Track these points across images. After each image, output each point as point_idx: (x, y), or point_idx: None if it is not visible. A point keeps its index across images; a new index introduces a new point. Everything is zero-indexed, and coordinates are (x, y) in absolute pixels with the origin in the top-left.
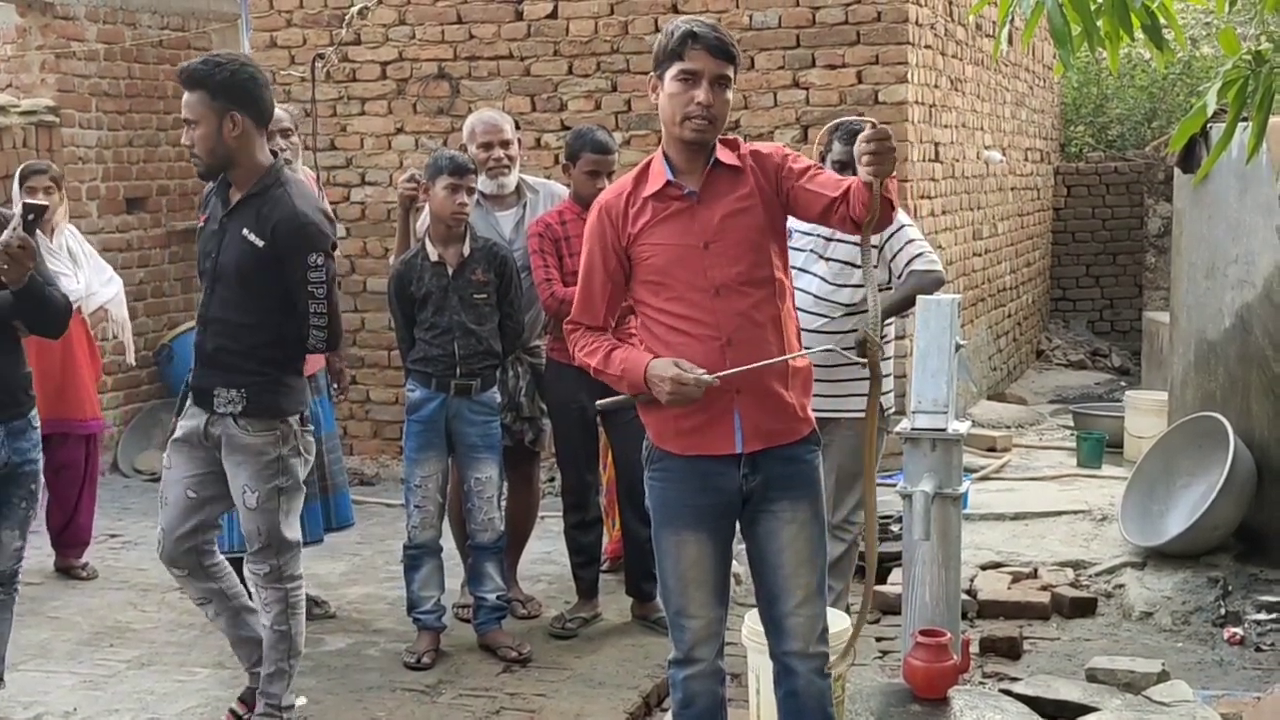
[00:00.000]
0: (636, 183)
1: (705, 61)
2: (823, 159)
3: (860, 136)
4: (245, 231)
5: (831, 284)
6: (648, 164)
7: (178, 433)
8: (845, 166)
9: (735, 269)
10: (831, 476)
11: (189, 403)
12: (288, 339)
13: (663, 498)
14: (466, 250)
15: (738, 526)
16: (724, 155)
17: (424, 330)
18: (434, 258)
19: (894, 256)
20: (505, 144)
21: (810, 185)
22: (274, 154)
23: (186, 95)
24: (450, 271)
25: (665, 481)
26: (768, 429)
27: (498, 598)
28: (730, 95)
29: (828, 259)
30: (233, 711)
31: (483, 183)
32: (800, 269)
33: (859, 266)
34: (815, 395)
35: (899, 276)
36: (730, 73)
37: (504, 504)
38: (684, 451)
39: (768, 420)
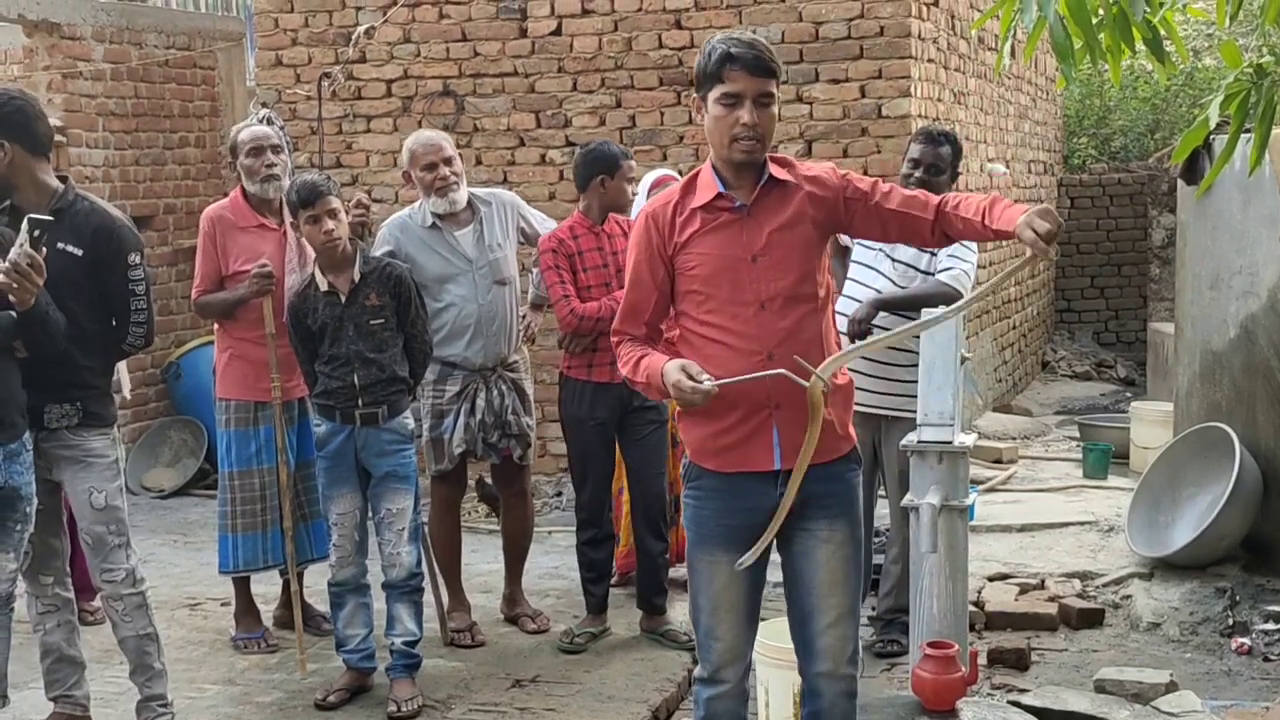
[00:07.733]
0: (684, 193)
1: (745, 82)
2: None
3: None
4: (61, 245)
5: (898, 285)
6: (695, 175)
7: None
8: (918, 164)
9: (782, 283)
10: (894, 467)
11: None
12: (108, 347)
13: (698, 516)
14: (357, 275)
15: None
16: (777, 171)
17: (323, 363)
18: (324, 287)
19: (940, 267)
20: (448, 161)
21: (895, 206)
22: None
23: None
24: (343, 299)
25: (700, 500)
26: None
27: (405, 644)
28: (775, 109)
29: (894, 260)
30: None
31: (434, 203)
32: (869, 266)
33: (921, 270)
34: (872, 393)
35: None
36: (772, 88)
37: (502, 520)
38: (722, 469)
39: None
